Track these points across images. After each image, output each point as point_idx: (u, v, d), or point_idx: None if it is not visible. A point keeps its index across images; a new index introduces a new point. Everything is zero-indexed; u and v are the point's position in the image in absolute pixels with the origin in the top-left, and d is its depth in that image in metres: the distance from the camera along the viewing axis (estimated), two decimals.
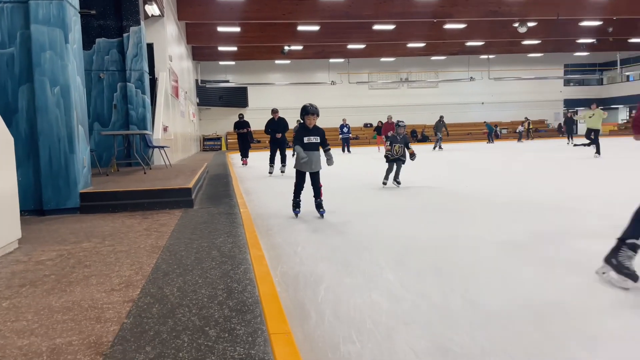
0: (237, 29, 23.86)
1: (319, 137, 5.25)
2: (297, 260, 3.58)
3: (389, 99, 36.46)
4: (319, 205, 5.27)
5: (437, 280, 2.98)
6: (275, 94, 35.21)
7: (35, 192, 5.24)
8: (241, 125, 15.23)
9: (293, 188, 5.36)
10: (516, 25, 24.36)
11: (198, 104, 30.92)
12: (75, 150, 5.30)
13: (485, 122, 32.88)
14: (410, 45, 30.30)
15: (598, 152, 13.39)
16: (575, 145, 20.66)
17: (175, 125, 16.19)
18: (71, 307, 2.40)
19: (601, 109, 15.43)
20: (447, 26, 25.57)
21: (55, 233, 4.35)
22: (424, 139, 31.99)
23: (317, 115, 5.26)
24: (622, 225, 2.80)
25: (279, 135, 11.60)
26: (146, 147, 9.93)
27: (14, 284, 2.83)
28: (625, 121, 39.30)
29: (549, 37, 28.70)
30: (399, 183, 7.84)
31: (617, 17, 24.78)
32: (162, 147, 10.14)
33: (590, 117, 14.25)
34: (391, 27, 25.11)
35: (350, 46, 29.70)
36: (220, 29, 23.43)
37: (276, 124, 11.67)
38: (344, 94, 35.69)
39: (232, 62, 33.10)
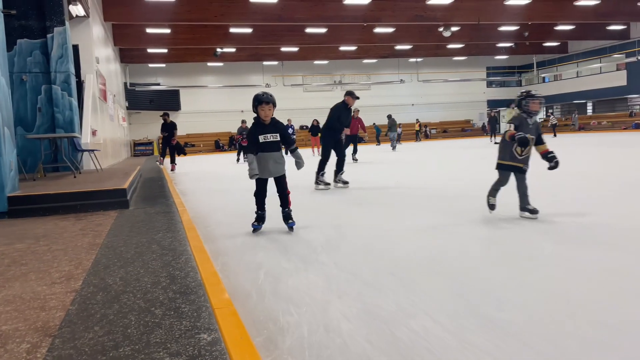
0: (167, 31, 23.40)
1: (278, 134, 4.25)
2: (237, 250, 3.73)
3: (324, 101, 36.80)
4: (287, 217, 4.37)
5: (368, 260, 3.23)
6: (208, 96, 34.77)
7: None
8: (165, 128, 14.73)
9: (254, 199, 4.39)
10: (441, 29, 25.60)
11: (128, 108, 29.95)
12: (2, 153, 5.13)
13: (374, 123, 32.93)
14: (342, 48, 30.98)
15: None
16: (496, 143, 22.01)
17: (105, 129, 15.67)
18: (12, 300, 2.43)
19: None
20: (377, 30, 26.42)
21: None
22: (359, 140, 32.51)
23: (274, 105, 4.21)
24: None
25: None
26: (75, 150, 9.61)
27: None
28: (543, 120, 42.22)
29: (471, 41, 30.37)
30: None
31: (532, 22, 26.61)
32: (92, 150, 9.85)
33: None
34: (323, 30, 25.60)
35: (283, 49, 29.93)
36: (149, 30, 22.88)
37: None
38: (279, 96, 34.35)
39: (163, 65, 32.35)
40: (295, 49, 29.95)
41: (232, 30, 24.09)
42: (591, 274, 2.83)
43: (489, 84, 42.26)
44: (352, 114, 10.38)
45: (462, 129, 38.75)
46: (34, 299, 2.41)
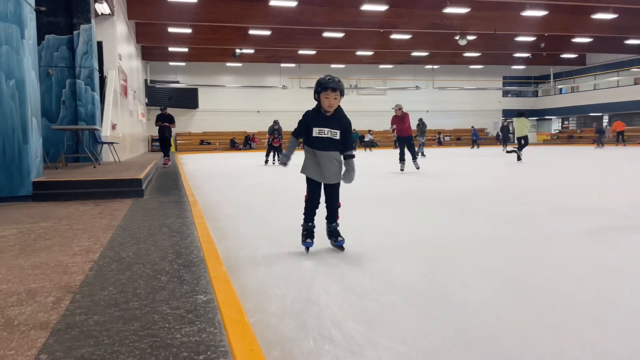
0: (188, 30, 23.96)
1: (339, 131, 3.36)
2: (239, 237, 4.07)
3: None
4: (333, 233, 3.54)
5: (356, 253, 3.55)
6: (226, 96, 35.37)
7: None
8: (163, 118, 13.67)
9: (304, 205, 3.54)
10: (457, 38, 25.80)
11: (147, 104, 30.64)
12: (29, 141, 5.56)
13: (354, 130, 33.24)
14: (359, 53, 31.31)
15: (518, 157, 14.59)
16: (507, 151, 22.13)
17: (124, 124, 16.20)
18: (39, 265, 2.80)
19: (530, 118, 16.66)
20: (394, 36, 26.70)
21: (11, 216, 4.63)
22: (373, 144, 32.78)
23: (342, 94, 3.34)
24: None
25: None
26: (95, 142, 10.08)
27: None
28: (558, 131, 42.08)
29: (488, 50, 30.48)
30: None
31: (548, 34, 26.68)
32: (112, 143, 10.32)
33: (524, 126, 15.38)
34: (341, 35, 25.95)
35: (301, 52, 30.35)
36: (170, 29, 23.46)
37: None
38: (295, 98, 36.22)
39: (183, 63, 33.02)
40: (312, 52, 30.35)
41: (252, 32, 24.57)
42: None
43: (505, 94, 42.26)
44: (397, 114, 11.27)
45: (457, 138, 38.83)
46: (58, 266, 2.78)
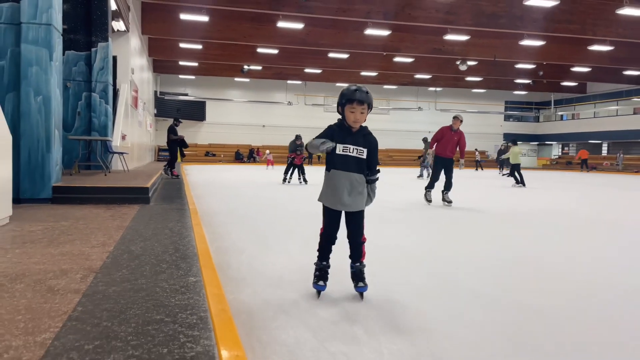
0: (199, 46, 24.92)
1: (365, 150, 2.93)
2: (230, 240, 4.77)
3: None
4: (358, 275, 3.01)
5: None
6: (233, 110, 36.34)
7: (14, 183, 6.18)
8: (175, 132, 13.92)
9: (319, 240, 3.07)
10: (458, 62, 26.67)
11: (155, 115, 31.57)
12: (52, 150, 6.31)
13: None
14: (363, 73, 32.22)
15: (517, 182, 15.24)
16: (504, 174, 22.80)
17: (133, 134, 17.01)
18: (65, 253, 3.51)
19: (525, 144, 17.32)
20: (397, 59, 27.60)
21: (35, 215, 5.35)
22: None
23: (370, 107, 2.90)
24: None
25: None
26: (106, 152, 10.85)
27: (18, 242, 3.88)
28: (558, 157, 42.74)
29: (489, 75, 31.33)
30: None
31: (547, 62, 27.50)
32: (122, 153, 11.09)
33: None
34: (345, 55, 26.88)
35: (307, 70, 31.28)
36: (182, 45, 24.43)
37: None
38: (300, 114, 37.15)
39: (192, 77, 34.02)
40: (318, 71, 31.28)
41: (260, 50, 25.51)
42: None
43: (507, 118, 43.03)
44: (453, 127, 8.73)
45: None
46: (81, 254, 3.49)
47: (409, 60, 27.81)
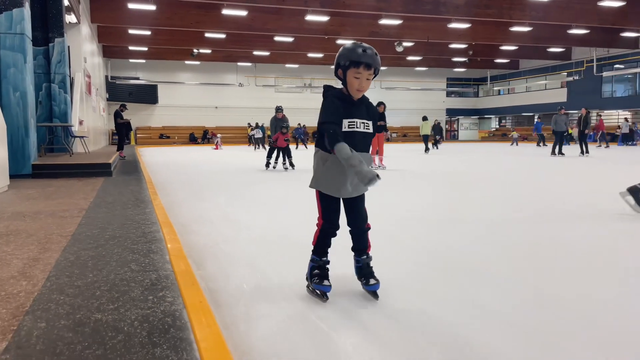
0: (148, 32, 25.84)
1: (370, 123, 2.43)
2: (175, 195, 6.51)
3: (294, 102, 39.62)
4: (365, 271, 2.51)
5: (283, 214, 6.04)
6: (185, 92, 37.27)
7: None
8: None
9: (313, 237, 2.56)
10: (395, 44, 28.69)
11: (108, 99, 32.25)
12: (30, 135, 7.82)
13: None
14: (310, 55, 33.82)
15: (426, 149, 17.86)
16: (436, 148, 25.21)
17: (88, 119, 18.18)
18: (61, 202, 5.18)
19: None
20: (339, 41, 29.31)
21: (25, 185, 6.91)
22: None
23: (376, 73, 2.36)
24: None
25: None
26: (68, 136, 12.22)
27: (23, 199, 5.52)
28: (495, 129, 45.91)
29: (427, 55, 33.57)
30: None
31: (476, 43, 29.89)
32: (82, 137, 12.48)
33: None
34: (290, 39, 28.39)
35: (256, 52, 32.56)
36: (131, 31, 25.30)
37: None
38: (251, 95, 38.47)
39: (143, 60, 34.67)
40: (266, 53, 32.63)
41: (208, 35, 26.66)
42: None
43: (449, 94, 45.70)
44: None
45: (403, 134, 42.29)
46: (72, 202, 5.17)
47: (351, 42, 29.49)
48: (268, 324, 2.12)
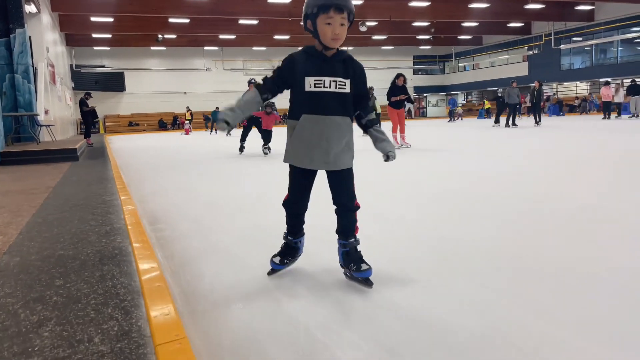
0: (111, 19, 25.72)
1: (347, 82, 2.11)
2: (138, 174, 7.03)
3: None
4: (353, 257, 2.20)
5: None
6: (153, 79, 37.09)
7: None
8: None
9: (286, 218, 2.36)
10: (359, 24, 29.16)
11: (74, 89, 31.98)
12: None
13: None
14: (276, 37, 34.03)
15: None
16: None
17: (54, 109, 18.28)
18: (31, 183, 5.67)
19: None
20: None
21: None
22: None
23: (350, 20, 2.09)
24: None
25: None
26: (34, 125, 12.49)
27: None
28: (462, 105, 46.99)
29: (392, 34, 34.15)
30: None
31: (437, 20, 30.58)
32: (48, 125, 12.76)
33: None
34: (255, 22, 28.58)
35: (221, 36, 32.61)
36: (93, 18, 25.15)
37: None
38: (220, 79, 38.52)
39: (107, 48, 34.35)
40: (232, 36, 32.71)
41: (172, 20, 26.65)
42: None
43: (416, 72, 46.46)
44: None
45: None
46: (41, 182, 5.66)
47: None
48: (190, 242, 2.74)
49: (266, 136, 9.56)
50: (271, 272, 2.30)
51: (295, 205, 2.24)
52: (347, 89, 2.09)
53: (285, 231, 2.33)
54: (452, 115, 32.26)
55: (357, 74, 2.14)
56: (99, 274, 2.22)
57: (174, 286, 2.20)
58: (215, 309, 1.96)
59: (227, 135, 14.60)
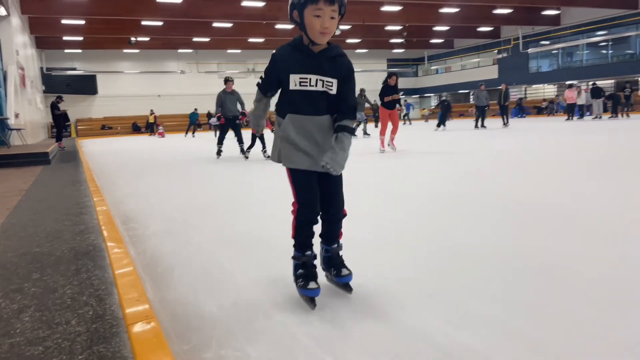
0: (82, 22, 25.41)
1: (334, 81, 1.95)
2: (111, 176, 7.11)
3: (239, 88, 38.93)
4: (335, 260, 2.16)
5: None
6: (126, 81, 36.66)
7: None
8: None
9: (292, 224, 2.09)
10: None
11: (44, 92, 31.43)
12: None
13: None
14: (251, 40, 34.08)
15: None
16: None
17: (24, 112, 18.03)
18: (2, 187, 5.71)
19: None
20: (279, 26, 29.80)
21: None
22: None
23: (342, 13, 1.93)
24: None
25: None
26: (4, 130, 12.36)
27: None
28: (433, 107, 47.80)
29: (365, 37, 34.58)
30: None
31: (409, 24, 31.13)
32: (19, 129, 12.64)
33: None
34: (229, 25, 28.60)
35: (195, 39, 32.47)
36: (64, 21, 24.81)
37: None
38: (194, 82, 38.31)
39: (79, 50, 33.85)
40: (206, 39, 32.62)
41: (144, 22, 26.47)
42: None
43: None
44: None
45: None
46: (14, 186, 5.72)
47: (290, 27, 30.11)
48: (162, 239, 2.91)
49: (262, 140, 9.34)
50: (313, 303, 1.99)
51: (311, 210, 1.99)
52: (334, 90, 1.93)
53: (297, 247, 2.04)
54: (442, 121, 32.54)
55: (344, 74, 1.95)
56: (74, 267, 2.38)
57: (145, 277, 2.37)
58: (184, 295, 2.14)
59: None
